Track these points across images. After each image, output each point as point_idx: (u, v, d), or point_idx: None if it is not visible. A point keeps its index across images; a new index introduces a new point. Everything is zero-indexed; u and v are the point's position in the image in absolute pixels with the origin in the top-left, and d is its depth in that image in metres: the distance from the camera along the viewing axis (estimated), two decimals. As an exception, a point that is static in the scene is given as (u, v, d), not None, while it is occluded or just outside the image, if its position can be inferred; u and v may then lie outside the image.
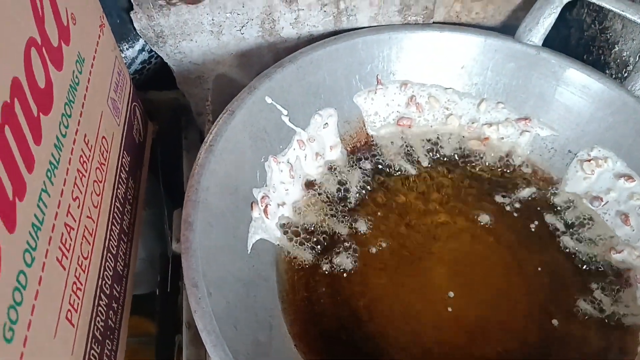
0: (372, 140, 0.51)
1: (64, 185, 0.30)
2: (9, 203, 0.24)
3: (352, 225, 0.46)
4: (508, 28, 0.52)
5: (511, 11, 0.52)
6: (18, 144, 0.26)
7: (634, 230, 0.46)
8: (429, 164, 0.50)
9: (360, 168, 0.49)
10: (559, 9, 0.48)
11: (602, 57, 0.54)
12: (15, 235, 0.24)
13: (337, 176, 0.49)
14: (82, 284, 0.31)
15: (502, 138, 0.51)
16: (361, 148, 0.51)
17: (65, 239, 0.30)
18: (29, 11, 0.29)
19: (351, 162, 0.50)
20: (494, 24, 0.53)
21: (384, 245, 0.45)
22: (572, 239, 0.46)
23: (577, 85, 0.48)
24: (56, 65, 0.31)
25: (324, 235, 0.45)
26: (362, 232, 0.46)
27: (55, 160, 0.30)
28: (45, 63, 0.30)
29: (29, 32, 0.28)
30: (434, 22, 0.51)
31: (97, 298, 0.33)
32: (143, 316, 0.53)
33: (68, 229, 0.30)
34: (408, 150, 0.51)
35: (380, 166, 0.50)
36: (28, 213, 0.26)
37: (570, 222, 0.47)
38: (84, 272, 0.31)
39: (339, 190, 0.48)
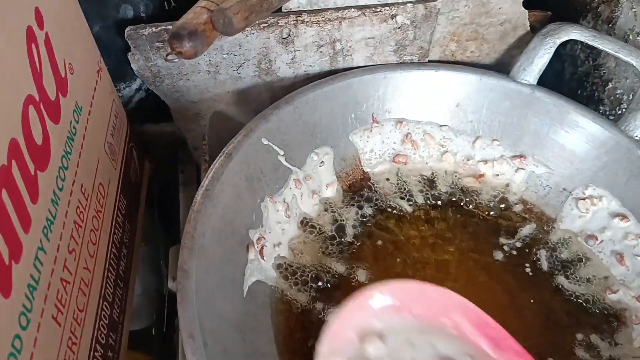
0: (368, 178, 0.51)
1: (60, 240, 0.30)
2: (4, 268, 0.24)
3: (348, 264, 0.46)
4: (502, 66, 0.53)
5: (505, 50, 0.52)
6: (15, 206, 0.26)
7: (629, 270, 0.46)
8: (424, 201, 0.51)
9: (356, 206, 0.50)
10: (553, 50, 0.48)
11: (596, 94, 0.54)
12: (11, 300, 0.25)
13: (333, 214, 0.49)
14: (77, 338, 0.31)
15: (497, 175, 0.52)
16: (357, 185, 0.51)
17: (61, 295, 0.30)
18: (27, 68, 0.29)
19: (347, 200, 0.50)
20: (489, 62, 0.53)
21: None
22: (567, 278, 0.47)
23: (571, 125, 0.49)
24: (53, 119, 0.31)
25: (320, 275, 0.45)
26: (358, 271, 0.46)
27: (52, 215, 0.30)
28: (42, 119, 0.30)
29: (27, 90, 0.28)
30: (429, 61, 0.51)
31: (92, 350, 0.33)
32: (139, 351, 0.53)
33: (64, 283, 0.30)
34: (404, 187, 0.51)
35: (376, 204, 0.50)
36: (24, 275, 0.26)
37: (565, 260, 0.48)
38: (79, 325, 0.31)
39: (335, 228, 0.48)
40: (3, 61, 0.26)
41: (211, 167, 0.41)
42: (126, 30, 0.43)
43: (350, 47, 0.48)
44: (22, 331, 0.25)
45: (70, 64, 0.35)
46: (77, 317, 0.31)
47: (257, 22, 0.43)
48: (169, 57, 0.31)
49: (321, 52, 0.48)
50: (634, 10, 0.49)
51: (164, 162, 0.57)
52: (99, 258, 0.36)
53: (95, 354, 0.33)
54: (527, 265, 0.47)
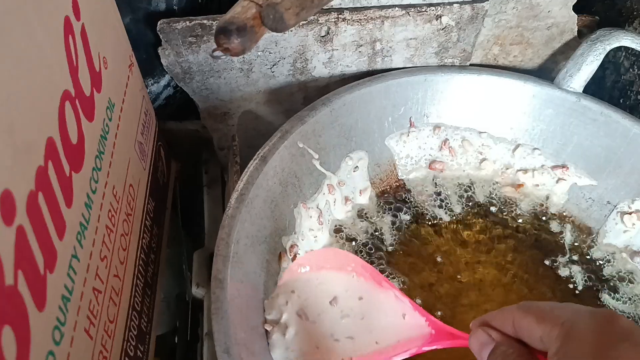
0: (403, 184, 0.49)
1: (93, 246, 0.28)
2: (39, 278, 0.22)
3: (381, 273, 0.44)
4: (545, 72, 0.51)
5: (549, 55, 0.50)
6: (50, 210, 0.24)
7: (677, 290, 0.44)
8: (461, 210, 0.48)
9: (390, 213, 0.47)
10: (602, 56, 0.46)
11: (641, 103, 0.52)
12: (45, 313, 0.22)
13: (366, 222, 0.47)
14: (107, 352, 0.29)
15: (538, 185, 0.50)
16: (391, 192, 0.49)
17: (93, 306, 0.28)
18: (64, 62, 0.27)
19: (381, 207, 0.48)
20: (531, 67, 0.51)
21: (413, 296, 0.43)
22: (612, 295, 0.44)
23: (618, 135, 0.46)
24: (88, 117, 0.29)
25: (353, 286, 0.43)
26: (391, 280, 0.44)
27: (85, 220, 0.28)
28: (78, 116, 0.28)
29: (64, 85, 0.26)
30: (471, 65, 0.49)
31: (121, 363, 0.31)
32: (158, 357, 0.51)
33: (96, 293, 0.28)
34: (440, 196, 0.49)
35: (411, 212, 0.48)
36: (58, 285, 0.24)
37: (609, 277, 0.45)
38: (110, 337, 0.29)
39: (368, 236, 0.46)
40: (42, 53, 0.24)
41: (245, 170, 0.39)
42: (158, 24, 0.41)
43: (390, 47, 0.46)
44: (56, 347, 0.23)
45: (104, 57, 0.32)
46: (107, 329, 0.29)
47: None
48: (215, 54, 0.29)
49: (360, 52, 0.45)
50: (686, 17, 0.46)
51: (186, 161, 0.55)
52: (129, 264, 0.34)
53: (125, 367, 0.31)
54: (568, 280, 0.45)
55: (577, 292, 0.44)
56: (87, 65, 0.30)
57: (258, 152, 0.40)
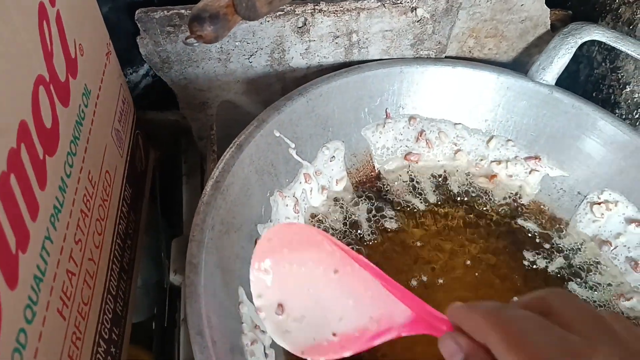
0: (379, 174, 0.50)
1: (67, 229, 0.29)
2: (11, 257, 0.23)
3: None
4: (519, 65, 0.52)
5: (524, 48, 0.51)
6: (23, 192, 0.24)
7: (643, 278, 0.45)
8: (436, 200, 0.49)
9: (366, 202, 0.48)
10: (574, 50, 0.47)
11: (613, 97, 0.53)
12: (17, 292, 0.23)
13: (342, 210, 0.47)
14: (81, 333, 0.29)
15: (511, 176, 0.51)
16: (368, 182, 0.50)
17: (67, 287, 0.28)
18: (38, 47, 0.27)
19: (357, 196, 0.49)
20: (506, 60, 0.52)
21: (389, 284, 0.44)
22: (580, 283, 0.45)
23: (589, 127, 0.48)
24: (63, 102, 0.30)
25: (329, 273, 0.44)
26: (366, 270, 0.44)
27: (59, 203, 0.28)
28: (52, 101, 0.28)
29: (38, 70, 0.27)
30: (446, 57, 0.50)
31: (95, 345, 0.31)
32: (137, 345, 0.52)
33: (70, 275, 0.29)
34: (415, 185, 0.50)
35: (386, 201, 0.49)
36: (30, 265, 0.25)
37: (578, 265, 0.47)
38: (83, 319, 0.30)
39: (344, 224, 0.47)
40: (17, 38, 0.25)
41: (222, 158, 0.40)
42: (136, 13, 0.41)
43: (367, 39, 0.46)
44: (28, 325, 0.24)
45: (80, 44, 0.33)
46: (81, 311, 0.30)
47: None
48: (188, 41, 0.29)
49: (337, 43, 0.46)
50: (656, 12, 0.48)
51: (166, 151, 0.55)
52: (104, 249, 0.34)
53: (99, 349, 0.32)
54: (538, 268, 0.46)
55: (546, 280, 0.45)
56: (63, 52, 0.30)
57: (234, 141, 0.41)
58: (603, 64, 0.55)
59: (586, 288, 0.45)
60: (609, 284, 0.46)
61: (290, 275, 0.34)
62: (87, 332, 0.30)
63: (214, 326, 0.33)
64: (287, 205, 0.44)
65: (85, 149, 0.32)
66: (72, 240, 0.29)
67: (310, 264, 0.33)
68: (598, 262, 0.47)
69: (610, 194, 0.47)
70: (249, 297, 0.38)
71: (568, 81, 0.52)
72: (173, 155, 0.56)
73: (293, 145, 0.44)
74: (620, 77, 0.52)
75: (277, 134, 0.43)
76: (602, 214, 0.47)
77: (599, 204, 0.48)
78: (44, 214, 0.26)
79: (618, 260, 0.46)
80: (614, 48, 0.48)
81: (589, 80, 0.57)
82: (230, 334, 0.35)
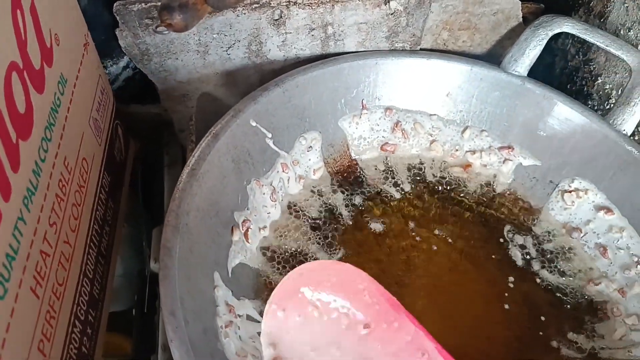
0: (356, 164, 0.51)
1: (41, 211, 0.30)
2: (-18, 235, 0.24)
3: (332, 250, 0.46)
4: (494, 57, 0.53)
5: (497, 40, 0.52)
6: (-5, 173, 0.25)
7: (611, 263, 0.46)
8: (411, 189, 0.50)
9: (343, 192, 0.49)
10: (545, 41, 0.48)
11: (585, 88, 0.54)
12: (-12, 268, 0.24)
13: (319, 199, 0.48)
14: (56, 312, 0.30)
15: (485, 166, 0.52)
16: (345, 172, 0.51)
17: (41, 267, 0.29)
18: (11, 35, 0.28)
19: (334, 186, 0.50)
20: (480, 52, 0.53)
21: (364, 271, 0.45)
22: (551, 269, 0.47)
23: (560, 117, 0.49)
24: (37, 89, 0.31)
25: (304, 260, 0.45)
26: (342, 257, 0.45)
27: (33, 186, 0.29)
28: (26, 87, 0.29)
29: (10, 57, 0.28)
30: (421, 49, 0.51)
31: (71, 325, 0.32)
32: (119, 333, 0.53)
33: (44, 256, 0.29)
34: (391, 175, 0.51)
35: (363, 190, 0.50)
36: (2, 243, 0.25)
37: (549, 252, 0.48)
38: (58, 299, 0.31)
39: (320, 214, 0.48)
40: (-14, 24, 0.26)
41: (198, 146, 0.41)
42: (114, 5, 0.42)
43: (342, 31, 0.47)
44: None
45: (56, 34, 0.34)
46: (56, 291, 0.31)
47: (249, 1, 0.43)
48: (159, 29, 0.30)
49: (313, 35, 0.47)
50: (625, 5, 0.49)
51: (149, 143, 0.56)
52: (81, 233, 0.35)
53: (74, 329, 0.33)
54: (511, 255, 0.47)
55: (518, 266, 0.47)
56: (37, 40, 0.31)
57: (210, 130, 0.42)
58: (576, 57, 0.56)
59: (557, 274, 0.47)
60: (579, 270, 0.47)
61: (308, 324, 0.29)
62: (62, 312, 0.31)
63: (188, 308, 0.34)
64: (264, 193, 0.45)
65: (61, 135, 0.33)
66: (46, 223, 0.30)
67: (336, 314, 0.29)
68: (569, 249, 0.48)
69: (580, 182, 0.49)
70: (225, 281, 0.40)
71: (544, 74, 0.53)
72: (156, 148, 0.57)
73: (270, 135, 0.45)
74: (592, 69, 0.54)
75: (254, 124, 0.44)
76: (573, 201, 0.49)
77: (570, 192, 0.49)
78: (17, 195, 0.27)
79: (588, 246, 0.48)
80: (586, 40, 0.50)
81: (564, 72, 0.58)
82: (204, 315, 0.36)
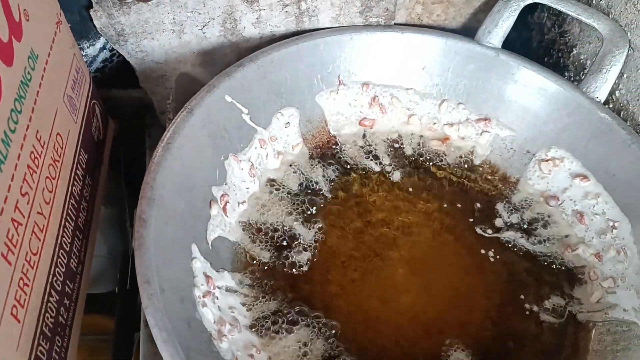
0: (335, 140, 0.52)
1: (12, 180, 0.30)
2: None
3: (312, 224, 0.46)
4: (469, 30, 0.53)
5: (471, 13, 0.52)
6: (-40, 138, 0.26)
7: (588, 229, 0.47)
8: (390, 163, 0.51)
9: (322, 167, 0.50)
10: (517, 12, 0.49)
11: (562, 60, 0.55)
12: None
13: (298, 175, 0.49)
14: (30, 280, 0.31)
15: (463, 138, 0.52)
16: (324, 147, 0.51)
17: (12, 235, 0.29)
18: (-25, 5, 0.29)
19: (313, 161, 0.50)
20: (455, 26, 0.53)
21: (343, 244, 0.46)
22: (529, 237, 0.47)
23: (534, 87, 0.49)
24: (6, 61, 0.31)
25: (283, 234, 0.45)
26: (322, 231, 0.46)
27: (3, 155, 0.29)
28: (-8, 58, 0.29)
29: (-25, 27, 0.28)
30: (395, 24, 0.51)
31: (46, 294, 0.33)
32: (104, 314, 0.53)
33: (15, 224, 0.30)
34: (370, 150, 0.51)
35: (342, 165, 0.50)
36: (-30, 207, 0.26)
37: (528, 220, 0.48)
38: (32, 268, 0.31)
39: (300, 188, 0.48)
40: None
41: (172, 121, 0.41)
42: (87, -15, 0.43)
43: (315, 7, 0.48)
44: (-32, 262, 0.25)
45: (25, 10, 0.34)
46: (29, 260, 0.31)
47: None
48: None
49: (286, 11, 0.47)
50: (597, -26, 0.49)
51: (132, 127, 0.57)
52: (56, 206, 0.35)
53: (50, 298, 0.33)
54: (490, 225, 0.48)
55: (497, 236, 0.47)
56: (5, 13, 0.32)
57: (185, 105, 0.42)
58: (552, 29, 0.56)
59: (536, 242, 0.47)
60: (557, 237, 0.47)
61: None
62: (36, 281, 0.32)
63: (163, 277, 0.34)
64: (242, 169, 0.46)
65: (33, 109, 0.34)
66: (17, 192, 0.31)
67: None
68: (548, 216, 0.49)
69: (556, 151, 0.49)
70: (204, 253, 0.40)
71: (522, 49, 0.54)
72: (138, 131, 0.58)
73: (246, 111, 0.46)
74: (567, 40, 0.54)
75: (229, 99, 0.44)
76: (550, 170, 0.49)
77: (547, 161, 0.49)
78: (-15, 162, 0.28)
79: (565, 213, 0.48)
80: (561, 13, 0.50)
81: (541, 46, 0.58)
82: (181, 285, 0.37)
